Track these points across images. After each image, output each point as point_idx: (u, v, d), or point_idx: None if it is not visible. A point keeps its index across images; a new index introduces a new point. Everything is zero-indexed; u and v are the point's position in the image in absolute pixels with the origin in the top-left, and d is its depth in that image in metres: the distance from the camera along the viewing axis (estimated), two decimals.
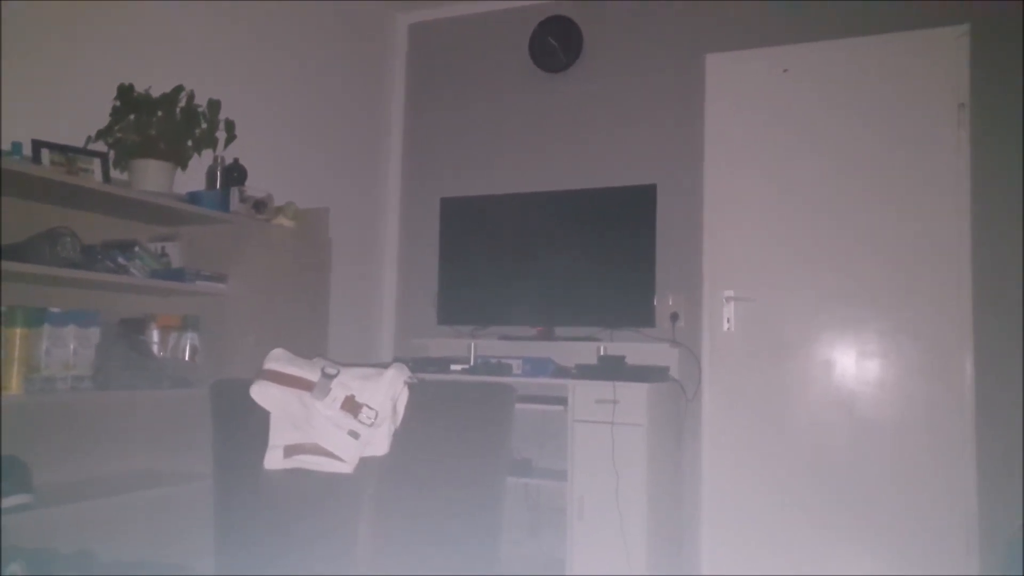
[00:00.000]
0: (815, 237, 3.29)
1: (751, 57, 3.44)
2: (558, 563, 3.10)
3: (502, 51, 3.94)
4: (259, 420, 1.75)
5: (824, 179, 3.30)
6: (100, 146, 2.50)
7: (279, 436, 1.72)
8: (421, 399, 1.77)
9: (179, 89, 2.61)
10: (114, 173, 2.49)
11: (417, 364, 3.32)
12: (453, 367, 3.28)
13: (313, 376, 1.73)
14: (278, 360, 1.79)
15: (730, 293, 3.40)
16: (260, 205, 2.74)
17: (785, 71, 3.40)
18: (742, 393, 3.35)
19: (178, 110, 2.60)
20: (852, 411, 3.18)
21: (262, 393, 1.73)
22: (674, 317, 3.45)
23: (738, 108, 3.45)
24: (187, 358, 2.61)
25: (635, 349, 3.38)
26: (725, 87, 3.48)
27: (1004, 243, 3.00)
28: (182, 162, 2.61)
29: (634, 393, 2.95)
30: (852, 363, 3.21)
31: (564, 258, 3.55)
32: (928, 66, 3.17)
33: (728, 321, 3.40)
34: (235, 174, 2.81)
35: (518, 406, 3.18)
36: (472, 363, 3.31)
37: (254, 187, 2.76)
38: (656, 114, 3.61)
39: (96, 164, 2.39)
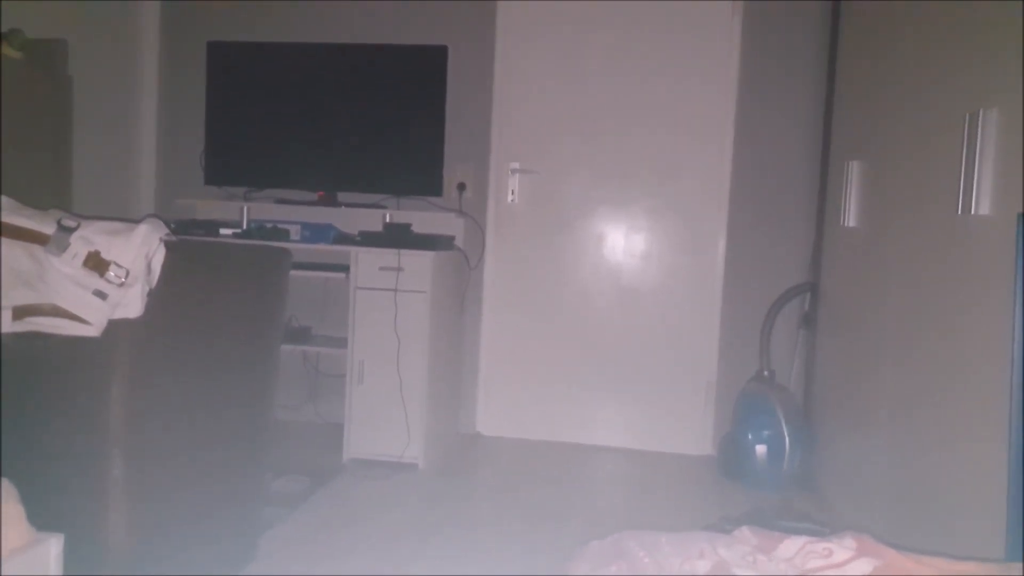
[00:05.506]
0: (597, 116, 3.38)
1: None
2: (336, 428, 3.10)
3: None
4: None
5: (609, 60, 3.36)
6: None
7: (6, 296, 1.49)
8: (183, 260, 1.61)
9: None
10: None
11: (181, 226, 3.04)
12: (223, 231, 3.04)
13: (47, 229, 1.49)
14: (3, 209, 1.52)
15: (516, 165, 3.44)
16: None
17: None
18: (523, 262, 3.46)
19: None
20: (619, 280, 3.41)
21: None
22: (461, 187, 3.43)
23: None
24: None
25: (421, 218, 3.34)
26: None
27: (762, 136, 3.27)
28: None
29: (419, 261, 2.93)
30: (622, 237, 3.41)
31: (350, 119, 3.35)
32: None
33: (513, 193, 3.45)
34: None
35: (297, 273, 3.06)
36: (245, 227, 3.09)
37: None
38: None
39: None
